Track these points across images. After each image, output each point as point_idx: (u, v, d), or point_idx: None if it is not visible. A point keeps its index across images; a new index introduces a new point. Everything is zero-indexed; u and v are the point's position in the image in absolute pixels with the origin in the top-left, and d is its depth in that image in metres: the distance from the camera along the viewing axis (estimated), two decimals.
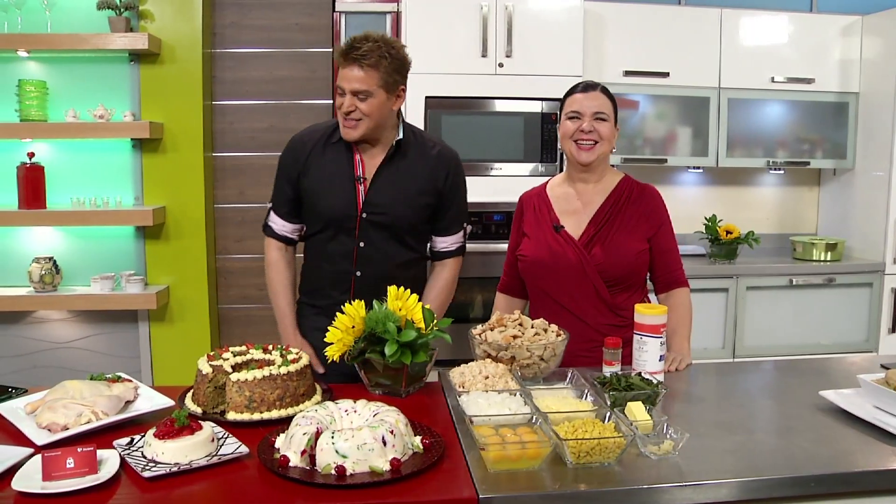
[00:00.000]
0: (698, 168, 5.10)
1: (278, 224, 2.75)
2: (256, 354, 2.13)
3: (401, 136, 2.64)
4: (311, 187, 2.65)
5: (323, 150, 2.65)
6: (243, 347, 2.17)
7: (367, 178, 2.61)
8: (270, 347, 2.17)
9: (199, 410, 2.01)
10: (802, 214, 5.42)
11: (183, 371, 4.14)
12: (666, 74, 4.66)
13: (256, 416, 1.95)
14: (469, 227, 2.84)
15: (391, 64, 2.49)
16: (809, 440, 1.89)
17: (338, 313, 2.19)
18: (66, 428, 1.86)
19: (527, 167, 4.31)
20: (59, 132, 4.16)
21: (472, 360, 2.24)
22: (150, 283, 4.36)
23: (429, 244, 2.79)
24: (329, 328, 2.18)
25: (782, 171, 5.23)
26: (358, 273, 2.63)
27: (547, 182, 2.81)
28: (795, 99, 4.88)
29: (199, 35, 4.29)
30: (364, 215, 2.60)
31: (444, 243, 2.78)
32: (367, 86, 2.47)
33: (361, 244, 2.62)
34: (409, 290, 2.23)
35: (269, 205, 2.79)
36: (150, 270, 4.38)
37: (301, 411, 1.85)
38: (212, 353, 2.12)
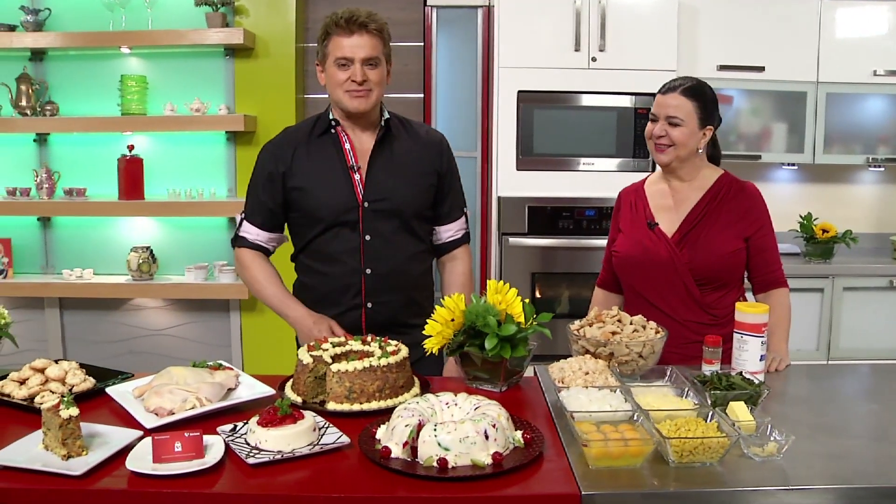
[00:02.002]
0: (793, 165, 4.96)
1: (252, 233, 2.57)
2: (356, 346, 2.14)
3: (387, 115, 2.53)
4: (301, 187, 2.48)
5: (307, 147, 2.50)
6: (342, 338, 2.19)
7: (362, 166, 2.48)
8: (369, 339, 2.18)
9: (299, 400, 2.04)
10: None
11: (273, 361, 4.23)
12: (761, 69, 4.53)
13: (356, 407, 1.96)
14: (468, 212, 2.71)
15: (387, 33, 2.46)
16: None
17: (437, 307, 2.18)
18: (171, 413, 1.91)
19: (619, 162, 4.24)
20: (157, 125, 4.31)
21: (566, 356, 2.22)
22: None
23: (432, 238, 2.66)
24: (427, 321, 2.18)
25: (882, 168, 5.04)
26: (368, 270, 2.48)
27: (646, 178, 2.77)
28: None
29: (292, 30, 4.37)
30: (366, 205, 2.45)
31: (449, 231, 2.64)
32: (378, 52, 2.40)
33: (368, 237, 2.46)
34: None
35: (241, 215, 2.60)
36: None
37: (400, 403, 1.87)
38: (312, 344, 2.14)
